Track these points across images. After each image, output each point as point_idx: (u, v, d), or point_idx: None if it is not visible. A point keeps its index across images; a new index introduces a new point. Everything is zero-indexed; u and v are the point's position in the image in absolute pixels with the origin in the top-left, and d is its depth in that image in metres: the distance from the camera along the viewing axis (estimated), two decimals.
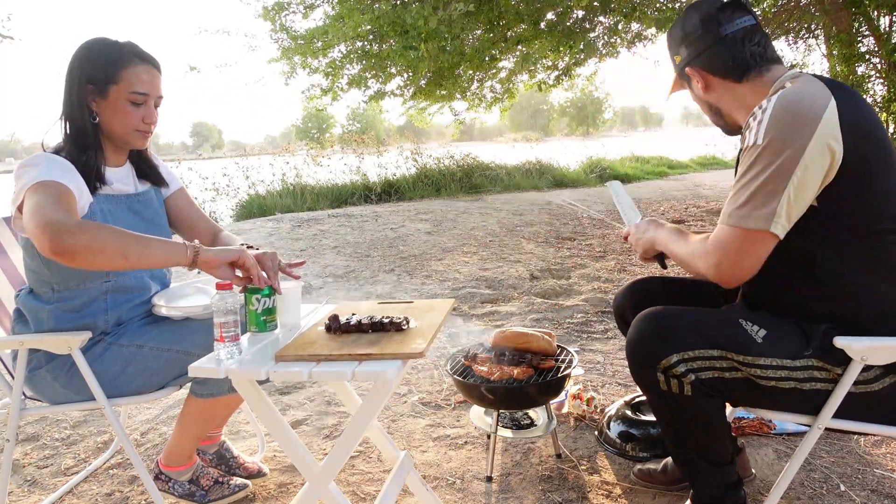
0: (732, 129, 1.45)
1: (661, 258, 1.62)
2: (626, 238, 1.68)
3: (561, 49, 7.10)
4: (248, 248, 1.69)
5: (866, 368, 1.22)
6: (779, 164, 1.17)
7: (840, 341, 1.21)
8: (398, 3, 5.96)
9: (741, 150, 1.30)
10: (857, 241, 1.23)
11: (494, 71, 8.12)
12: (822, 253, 1.26)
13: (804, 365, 1.24)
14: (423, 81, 7.53)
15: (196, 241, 1.39)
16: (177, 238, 1.41)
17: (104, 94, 1.52)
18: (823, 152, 1.16)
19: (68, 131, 1.54)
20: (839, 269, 1.25)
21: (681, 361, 1.29)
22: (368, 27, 6.13)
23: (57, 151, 1.52)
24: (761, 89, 1.32)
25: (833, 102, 1.18)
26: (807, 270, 1.29)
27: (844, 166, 1.17)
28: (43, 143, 1.55)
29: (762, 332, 1.26)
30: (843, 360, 1.22)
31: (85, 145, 1.53)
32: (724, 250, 1.26)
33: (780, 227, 1.20)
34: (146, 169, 1.73)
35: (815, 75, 1.27)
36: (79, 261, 1.25)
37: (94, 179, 1.53)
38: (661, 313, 1.35)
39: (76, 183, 1.45)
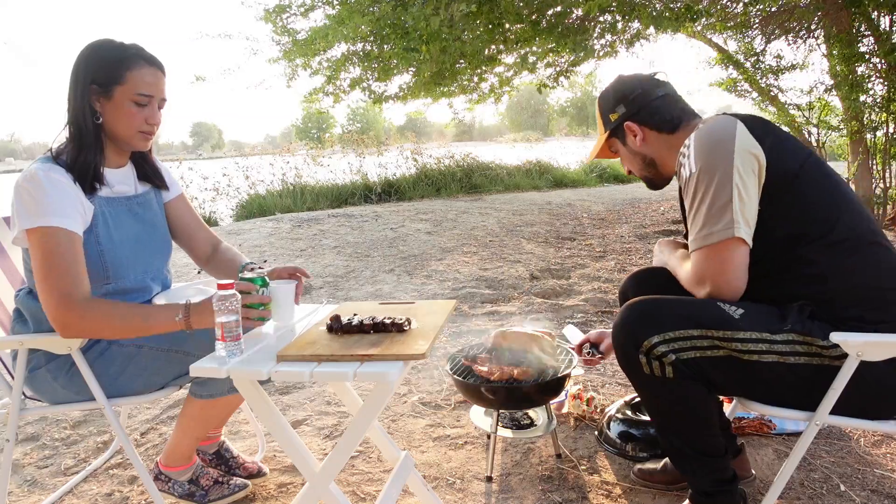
0: (663, 178, 1.61)
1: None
2: (579, 350, 1.88)
3: (560, 49, 7.10)
4: (253, 267, 1.65)
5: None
6: (718, 181, 1.30)
7: (836, 336, 1.23)
8: (398, 4, 5.95)
9: (680, 187, 1.44)
10: (808, 229, 1.32)
11: (494, 67, 8.10)
12: (783, 248, 1.33)
13: (785, 339, 1.28)
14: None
15: (185, 302, 1.45)
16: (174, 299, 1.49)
17: (108, 94, 1.52)
18: (749, 158, 1.31)
19: (70, 131, 1.54)
20: (801, 259, 1.32)
21: (661, 342, 1.33)
22: (368, 29, 6.12)
23: (59, 154, 1.53)
24: (689, 135, 1.44)
25: (740, 124, 1.35)
26: (776, 266, 1.35)
27: (770, 166, 1.31)
28: (52, 149, 1.55)
29: (739, 311, 1.32)
30: (823, 333, 1.25)
31: (84, 144, 1.52)
32: (705, 273, 1.35)
33: (744, 231, 1.30)
34: (148, 170, 1.72)
35: (724, 114, 1.43)
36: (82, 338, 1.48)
37: (91, 180, 1.52)
38: (644, 300, 1.40)
39: (77, 209, 1.46)
